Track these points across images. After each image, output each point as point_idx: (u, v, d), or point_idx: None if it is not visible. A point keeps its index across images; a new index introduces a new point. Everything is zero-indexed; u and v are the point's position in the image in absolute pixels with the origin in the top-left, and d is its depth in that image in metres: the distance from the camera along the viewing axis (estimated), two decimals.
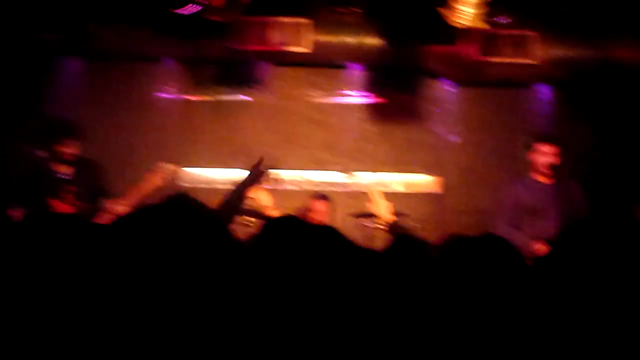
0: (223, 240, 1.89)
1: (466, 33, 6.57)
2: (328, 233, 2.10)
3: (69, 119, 5.75)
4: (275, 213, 4.68)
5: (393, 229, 4.20)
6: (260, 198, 4.79)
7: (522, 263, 2.25)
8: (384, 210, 4.33)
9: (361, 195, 7.49)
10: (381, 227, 4.32)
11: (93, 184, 5.46)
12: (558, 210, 5.23)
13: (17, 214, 4.81)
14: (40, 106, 6.98)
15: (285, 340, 1.85)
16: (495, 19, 6.13)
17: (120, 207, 4.93)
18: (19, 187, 5.37)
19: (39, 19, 6.56)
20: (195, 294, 1.75)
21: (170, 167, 5.38)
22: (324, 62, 7.45)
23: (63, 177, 5.31)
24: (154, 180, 5.22)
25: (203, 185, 7.61)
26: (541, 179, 5.48)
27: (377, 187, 7.68)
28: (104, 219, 4.92)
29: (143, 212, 1.90)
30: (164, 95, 7.53)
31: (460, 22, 5.63)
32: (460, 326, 2.06)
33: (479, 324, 2.06)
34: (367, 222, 6.52)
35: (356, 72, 7.64)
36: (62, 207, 5.18)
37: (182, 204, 1.93)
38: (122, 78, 7.47)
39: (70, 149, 5.28)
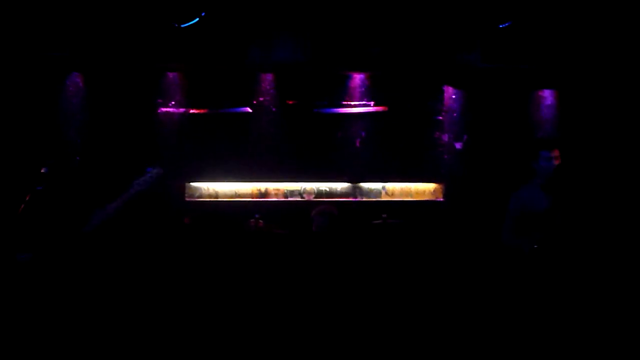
0: None
1: None
2: None
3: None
4: None
5: None
6: None
7: None
8: None
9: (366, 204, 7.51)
10: None
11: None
12: (563, 213, 5.25)
13: None
14: (47, 117, 7.22)
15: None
16: None
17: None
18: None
19: (45, 38, 6.70)
20: None
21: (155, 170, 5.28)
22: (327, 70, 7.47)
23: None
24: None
25: (207, 199, 7.61)
26: (545, 183, 5.47)
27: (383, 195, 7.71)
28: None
29: None
30: (167, 108, 7.53)
31: None
32: None
33: None
34: None
35: (359, 81, 7.66)
36: None
37: None
38: (125, 90, 7.46)
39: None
